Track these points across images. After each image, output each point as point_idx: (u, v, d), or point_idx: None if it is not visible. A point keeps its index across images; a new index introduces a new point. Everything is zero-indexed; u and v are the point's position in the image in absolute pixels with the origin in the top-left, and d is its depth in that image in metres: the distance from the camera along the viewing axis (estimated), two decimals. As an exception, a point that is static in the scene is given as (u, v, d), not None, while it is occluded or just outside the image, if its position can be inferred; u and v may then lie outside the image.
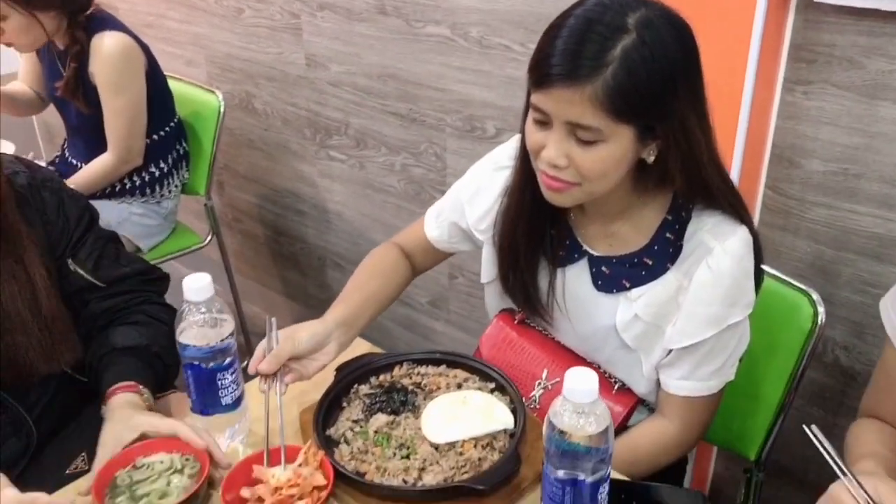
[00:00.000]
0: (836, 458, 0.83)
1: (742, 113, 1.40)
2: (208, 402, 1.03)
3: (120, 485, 0.96)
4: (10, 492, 0.83)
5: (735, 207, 1.09)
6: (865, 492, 0.79)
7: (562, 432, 0.81)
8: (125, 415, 1.06)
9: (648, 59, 0.93)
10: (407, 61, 1.99)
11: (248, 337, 2.68)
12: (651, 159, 1.03)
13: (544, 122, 1.01)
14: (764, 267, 1.20)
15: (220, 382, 1.02)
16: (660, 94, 0.96)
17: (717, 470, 1.79)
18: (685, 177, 1.04)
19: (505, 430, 1.04)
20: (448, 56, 1.89)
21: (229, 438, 1.07)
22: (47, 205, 1.17)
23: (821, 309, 1.26)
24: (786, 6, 1.37)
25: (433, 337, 2.37)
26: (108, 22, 2.04)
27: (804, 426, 0.87)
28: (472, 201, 1.27)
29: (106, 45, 2.00)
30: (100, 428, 1.19)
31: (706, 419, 1.17)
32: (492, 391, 1.12)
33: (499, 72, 1.81)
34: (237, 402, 1.06)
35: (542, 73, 0.96)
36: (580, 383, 0.80)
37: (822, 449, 0.84)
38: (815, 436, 0.86)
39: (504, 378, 1.12)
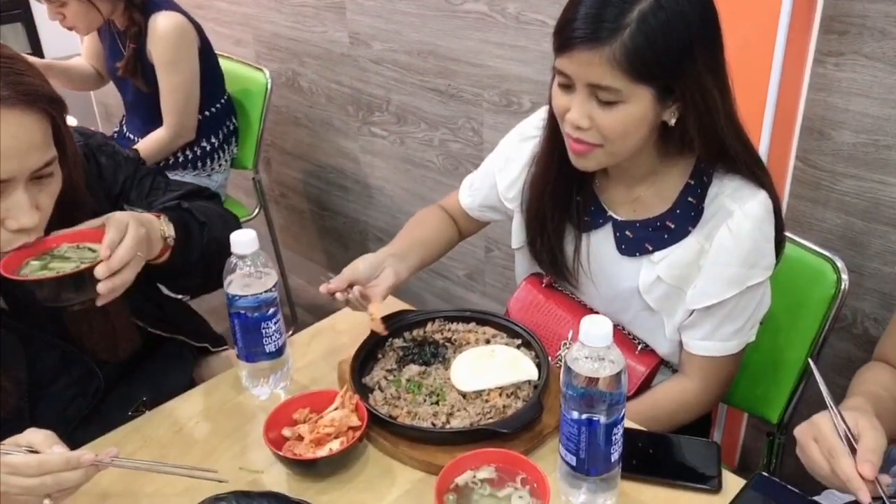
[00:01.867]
0: (828, 392, 0.87)
1: (771, 85, 1.42)
2: (253, 349, 1.11)
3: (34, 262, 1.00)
4: (59, 449, 0.87)
5: (755, 172, 1.12)
6: (845, 422, 0.82)
7: (577, 375, 0.86)
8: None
9: (664, 21, 0.98)
10: (446, 38, 2.04)
11: (293, 308, 2.77)
12: (672, 121, 1.07)
13: (568, 86, 1.06)
14: (789, 234, 1.23)
15: (264, 331, 1.10)
16: (676, 56, 1.00)
17: (745, 442, 1.82)
18: (702, 139, 1.07)
19: (529, 382, 1.10)
20: (486, 32, 1.93)
21: (272, 385, 1.16)
22: (104, 169, 1.21)
23: (844, 276, 1.28)
24: (817, -22, 1.39)
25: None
26: (162, 3, 2.13)
27: (808, 359, 0.92)
28: (501, 171, 1.33)
29: (161, 24, 2.09)
30: (159, 377, 1.29)
31: (726, 379, 1.21)
32: (518, 346, 1.18)
33: (535, 47, 1.85)
34: (280, 350, 1.14)
35: (564, 37, 1.02)
36: (595, 328, 0.85)
37: (818, 379, 0.88)
38: (814, 368, 0.90)
39: (530, 334, 1.18)
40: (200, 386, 1.22)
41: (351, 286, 1.16)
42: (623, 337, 1.27)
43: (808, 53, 1.46)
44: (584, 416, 0.88)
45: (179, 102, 2.17)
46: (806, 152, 1.54)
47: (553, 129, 1.16)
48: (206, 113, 2.28)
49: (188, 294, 1.41)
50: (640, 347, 1.25)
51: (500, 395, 1.08)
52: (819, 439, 0.83)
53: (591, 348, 0.86)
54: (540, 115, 1.26)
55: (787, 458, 1.42)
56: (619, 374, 0.86)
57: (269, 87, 2.34)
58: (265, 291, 1.08)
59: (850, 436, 0.82)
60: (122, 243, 0.97)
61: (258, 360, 1.12)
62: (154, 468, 0.98)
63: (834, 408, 0.84)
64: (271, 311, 1.10)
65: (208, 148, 2.31)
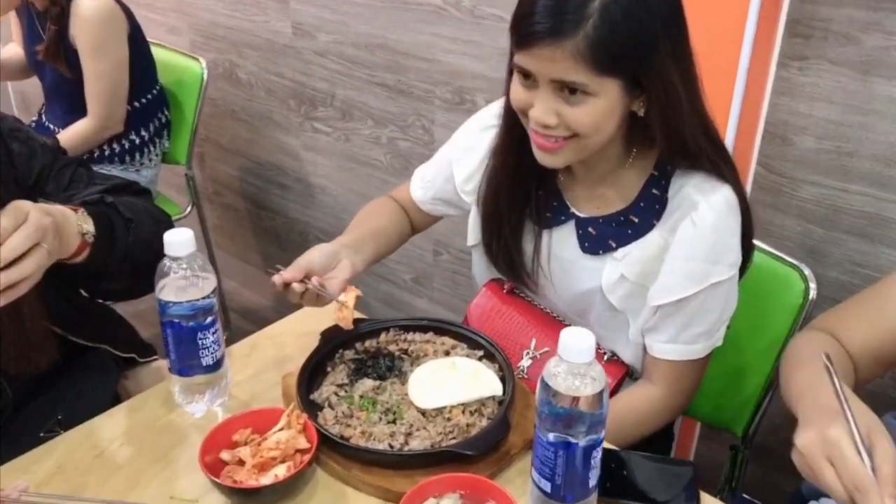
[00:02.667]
0: (842, 392, 0.80)
1: (737, 88, 1.38)
2: (188, 362, 1.00)
3: None
4: None
5: (719, 167, 1.07)
6: (859, 432, 0.74)
7: (556, 394, 0.78)
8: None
9: (626, 9, 0.93)
10: (396, 30, 1.95)
11: (227, 313, 2.63)
12: (641, 112, 1.02)
13: (530, 83, 1.00)
14: (755, 241, 1.19)
15: (200, 342, 0.98)
16: (641, 46, 0.95)
17: (699, 450, 1.78)
18: (664, 132, 1.02)
19: (493, 397, 1.02)
20: (439, 26, 1.85)
21: (209, 401, 1.04)
22: (16, 156, 1.08)
23: (812, 285, 1.25)
24: (784, -21, 1.35)
25: (417, 315, 2.34)
26: (88, -18, 1.98)
27: (823, 354, 0.86)
28: (459, 161, 1.26)
29: (86, 6, 1.94)
30: (78, 392, 1.15)
31: (693, 384, 1.16)
32: (480, 359, 1.10)
33: (491, 43, 1.77)
34: (218, 363, 1.02)
35: (524, 31, 0.96)
36: (577, 342, 0.77)
37: (835, 383, 0.81)
38: (828, 363, 0.84)
39: (493, 345, 1.10)
40: (126, 402, 1.09)
41: (307, 277, 1.06)
42: (587, 346, 1.20)
43: (772, 57, 1.43)
44: (560, 440, 0.80)
45: (106, 91, 2.02)
46: (768, 158, 1.50)
47: (511, 124, 1.10)
48: (136, 104, 2.13)
49: (112, 299, 1.27)
50: (606, 357, 1.18)
51: (463, 412, 0.99)
52: (838, 463, 0.73)
53: (571, 364, 0.78)
54: (498, 104, 1.18)
55: (749, 469, 1.39)
56: (601, 393, 0.79)
57: (204, 78, 2.22)
58: (202, 298, 0.97)
59: (861, 444, 0.74)
60: (18, 231, 0.84)
61: (193, 375, 1.01)
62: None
63: (852, 421, 0.76)
64: (209, 319, 0.98)
65: (137, 141, 2.16)
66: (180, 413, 1.05)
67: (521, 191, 1.16)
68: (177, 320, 0.96)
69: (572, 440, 0.80)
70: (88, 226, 0.99)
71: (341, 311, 1.06)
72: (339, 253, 1.12)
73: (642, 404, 1.15)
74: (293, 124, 2.38)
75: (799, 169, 1.48)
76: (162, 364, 1.31)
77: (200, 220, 2.44)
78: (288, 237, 2.63)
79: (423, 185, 1.32)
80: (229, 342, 1.17)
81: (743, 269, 1.14)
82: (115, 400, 1.16)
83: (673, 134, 1.02)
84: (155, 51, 2.21)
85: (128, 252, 1.06)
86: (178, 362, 1.00)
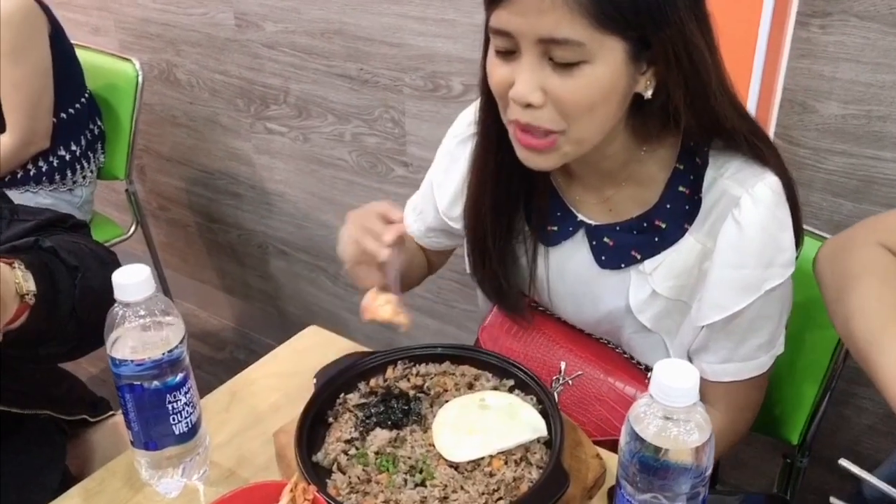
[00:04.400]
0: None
1: (757, 56, 1.22)
2: (156, 432, 0.79)
3: None
4: None
5: (758, 147, 0.90)
6: None
7: (649, 445, 0.61)
8: None
9: None
10: (355, 14, 1.75)
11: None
12: (649, 93, 0.84)
13: (510, 51, 0.81)
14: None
15: (170, 406, 0.77)
16: None
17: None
18: (693, 107, 0.84)
19: (539, 439, 0.83)
20: (404, 5, 1.66)
21: (184, 476, 0.83)
22: None
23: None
24: (801, -74, 1.20)
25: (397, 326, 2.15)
26: (-4, -21, 1.73)
27: (839, 462, 0.71)
28: (440, 186, 1.08)
29: (-2, 5, 1.69)
30: (16, 477, 0.93)
31: (758, 401, 1.01)
32: (510, 389, 0.91)
33: (465, 20, 1.59)
34: (194, 429, 0.82)
35: None
36: (676, 380, 0.60)
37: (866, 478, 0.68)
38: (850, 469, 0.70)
39: (525, 371, 0.91)
40: (79, 485, 0.87)
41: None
42: (625, 361, 1.04)
43: (789, 16, 1.27)
44: (655, 501, 0.63)
45: (27, 101, 1.77)
46: (786, 128, 1.36)
47: (488, 124, 0.92)
48: (63, 115, 1.89)
49: (54, 362, 1.04)
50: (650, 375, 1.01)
51: (506, 462, 0.80)
52: None
53: (669, 408, 0.61)
54: (472, 109, 1.00)
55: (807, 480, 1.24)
56: (706, 442, 0.61)
57: (139, 81, 1.98)
58: (169, 351, 0.76)
59: None
60: None
61: (164, 447, 0.80)
62: None
63: None
64: (179, 376, 0.78)
65: (68, 157, 1.91)
66: (149, 494, 0.84)
67: (507, 205, 0.99)
68: (137, 382, 0.75)
69: (667, 501, 0.63)
70: (29, 284, 0.78)
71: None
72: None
73: None
74: (243, 126, 2.15)
75: (823, 138, 1.33)
76: (119, 419, 1.09)
77: (146, 239, 2.22)
78: (245, 251, 2.41)
79: (415, 218, 1.13)
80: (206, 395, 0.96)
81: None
82: (65, 479, 0.94)
83: (702, 106, 0.84)
84: (81, 54, 1.96)
85: (74, 308, 0.84)
86: (144, 434, 0.79)
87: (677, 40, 0.79)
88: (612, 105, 0.83)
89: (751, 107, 1.27)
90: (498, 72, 0.82)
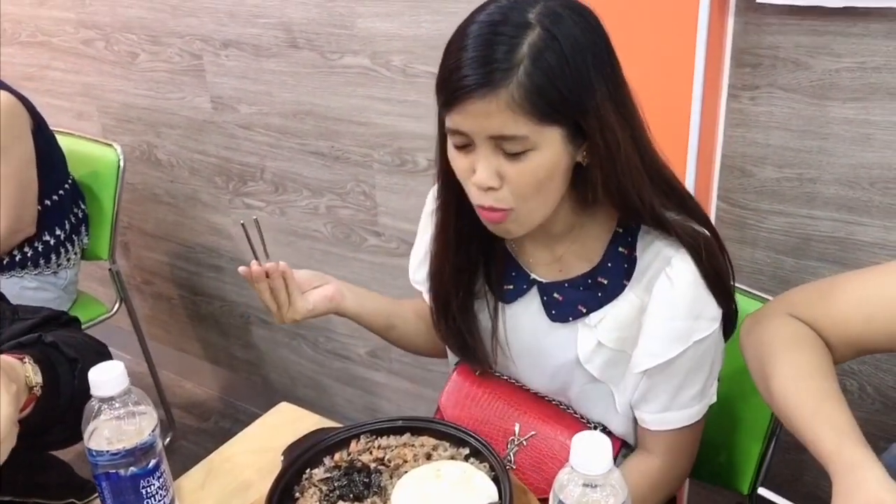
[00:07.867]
0: None
1: (692, 124, 1.32)
2: (131, 516, 0.85)
3: None
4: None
5: (685, 210, 0.99)
6: None
7: (574, 512, 0.67)
8: None
9: (559, 50, 0.85)
10: (325, 96, 1.84)
11: (168, 410, 2.43)
12: (584, 160, 0.93)
13: (466, 145, 0.90)
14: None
15: (144, 491, 0.83)
16: (578, 87, 0.86)
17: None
18: (605, 184, 0.93)
19: (490, 505, 0.89)
20: (370, 87, 1.76)
21: (161, 555, 0.89)
22: None
23: (801, 324, 1.17)
24: (724, 10, 1.31)
25: (376, 390, 2.20)
26: (-19, 77, 1.82)
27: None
28: (413, 255, 1.19)
29: (-18, 104, 1.77)
30: None
31: (694, 448, 1.08)
32: (466, 458, 0.98)
33: (426, 101, 1.69)
34: (168, 510, 0.87)
35: (453, 88, 0.86)
36: (591, 450, 0.66)
37: None
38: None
39: (478, 440, 0.98)
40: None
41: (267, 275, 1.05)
42: (575, 420, 1.10)
43: (721, 88, 1.38)
44: (584, 562, 0.69)
45: (13, 194, 1.83)
46: (728, 191, 1.45)
47: (447, 200, 1.02)
48: (47, 202, 1.94)
49: (49, 450, 1.10)
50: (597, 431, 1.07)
51: (460, 529, 0.86)
52: None
53: (587, 476, 0.67)
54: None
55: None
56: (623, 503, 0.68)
57: (121, 163, 2.05)
58: (142, 441, 0.82)
59: None
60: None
61: (139, 530, 0.85)
62: None
63: None
64: (152, 462, 0.84)
65: (52, 242, 1.97)
66: (128, 574, 0.89)
67: (466, 266, 1.08)
68: (113, 470, 0.82)
69: (597, 561, 0.69)
70: (37, 377, 0.85)
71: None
72: (330, 280, 1.12)
73: (643, 479, 1.05)
74: (222, 202, 2.23)
75: (762, 200, 1.42)
76: None
77: (130, 314, 2.25)
78: (228, 321, 2.46)
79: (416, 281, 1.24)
80: (174, 442, 1.02)
81: (731, 317, 1.06)
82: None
83: (615, 187, 0.93)
84: (63, 141, 2.04)
85: (73, 398, 0.90)
86: (120, 518, 0.85)
87: (594, 125, 0.89)
88: (557, 180, 0.92)
89: (690, 173, 1.36)
90: (459, 163, 0.93)
